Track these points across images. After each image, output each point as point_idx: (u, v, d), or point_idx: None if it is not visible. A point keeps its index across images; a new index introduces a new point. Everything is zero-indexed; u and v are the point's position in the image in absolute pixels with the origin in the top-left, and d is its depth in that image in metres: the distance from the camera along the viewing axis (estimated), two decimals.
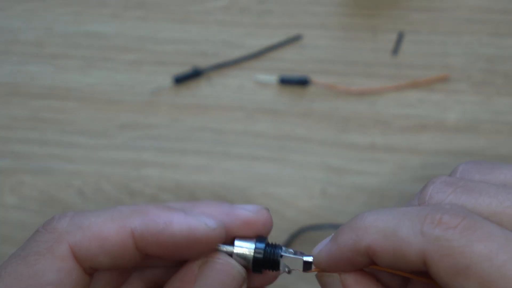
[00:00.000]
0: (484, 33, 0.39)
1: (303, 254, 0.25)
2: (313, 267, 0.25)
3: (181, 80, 0.39)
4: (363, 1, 0.40)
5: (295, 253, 0.25)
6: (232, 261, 0.25)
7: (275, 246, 0.25)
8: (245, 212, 0.25)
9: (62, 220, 0.24)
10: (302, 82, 0.39)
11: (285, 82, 0.39)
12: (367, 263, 0.24)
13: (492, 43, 0.38)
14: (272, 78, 0.39)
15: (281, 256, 0.25)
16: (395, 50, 0.39)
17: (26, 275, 0.23)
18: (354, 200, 0.37)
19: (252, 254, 0.25)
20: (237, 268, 0.25)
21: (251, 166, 0.38)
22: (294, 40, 0.40)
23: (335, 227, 0.35)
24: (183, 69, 0.40)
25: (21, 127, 0.40)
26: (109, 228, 0.23)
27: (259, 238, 0.25)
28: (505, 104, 0.37)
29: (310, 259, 0.25)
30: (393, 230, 0.23)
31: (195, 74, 0.39)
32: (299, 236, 0.36)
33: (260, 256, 0.25)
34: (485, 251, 0.21)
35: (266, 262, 0.25)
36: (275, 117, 0.39)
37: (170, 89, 0.40)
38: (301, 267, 0.25)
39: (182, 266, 0.25)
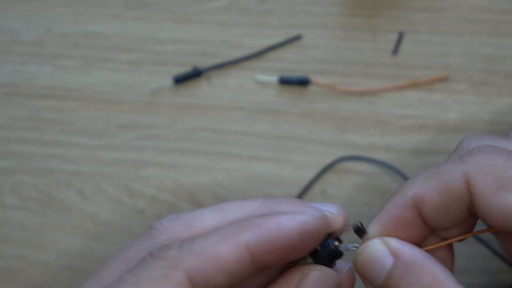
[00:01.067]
0: (484, 33, 0.39)
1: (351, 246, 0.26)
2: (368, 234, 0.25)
3: (181, 80, 0.39)
4: (363, 1, 0.40)
5: (347, 249, 0.26)
6: (330, 271, 0.25)
7: (325, 239, 0.25)
8: (300, 228, 0.24)
9: (172, 249, 0.23)
10: (302, 82, 0.39)
11: (285, 82, 0.39)
12: (418, 224, 0.24)
13: (492, 43, 0.38)
14: (272, 79, 0.39)
15: (334, 242, 0.25)
16: (395, 50, 0.39)
17: None
18: (354, 200, 0.37)
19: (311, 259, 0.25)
20: (334, 277, 0.25)
21: (251, 166, 0.38)
22: (294, 40, 0.40)
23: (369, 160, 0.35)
24: (183, 69, 0.40)
25: (21, 127, 0.40)
26: (224, 248, 0.22)
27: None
28: (505, 104, 0.37)
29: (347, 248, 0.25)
30: (434, 172, 0.23)
31: (195, 74, 0.39)
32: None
33: (319, 258, 0.25)
34: None
35: (329, 257, 0.25)
36: (275, 117, 0.39)
37: (170, 89, 0.40)
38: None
39: (281, 277, 0.24)
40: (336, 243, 0.25)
